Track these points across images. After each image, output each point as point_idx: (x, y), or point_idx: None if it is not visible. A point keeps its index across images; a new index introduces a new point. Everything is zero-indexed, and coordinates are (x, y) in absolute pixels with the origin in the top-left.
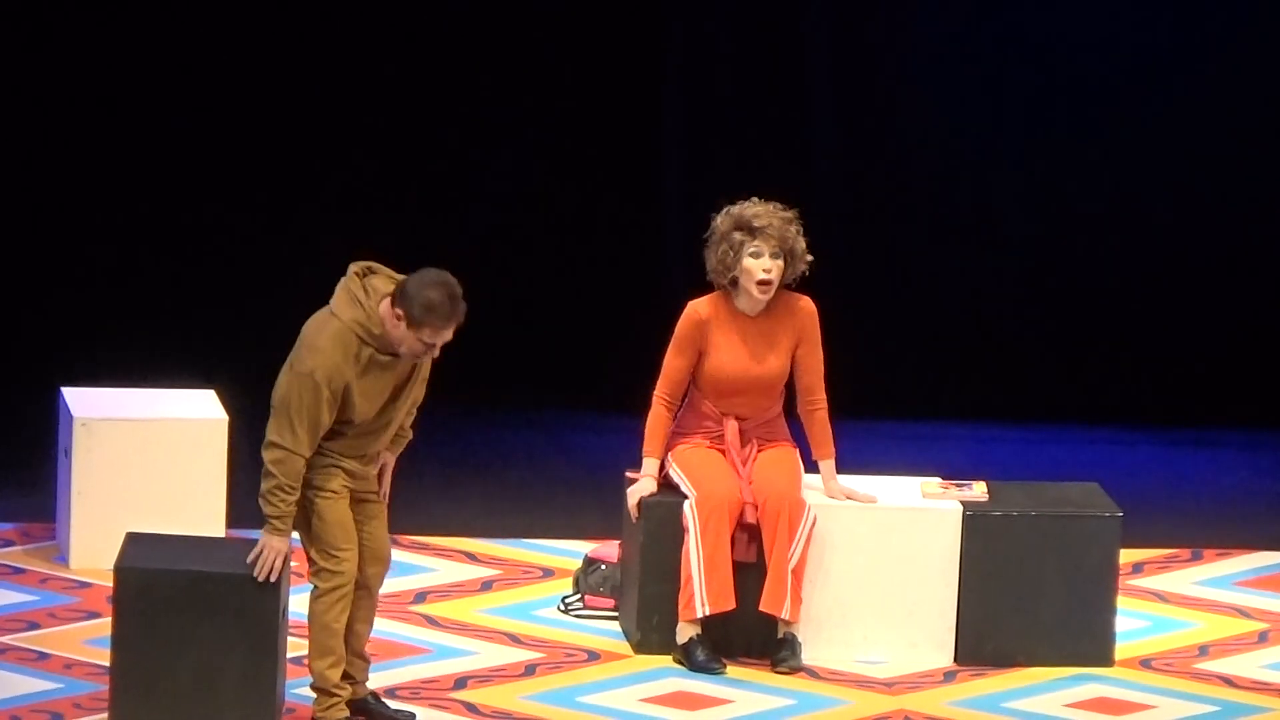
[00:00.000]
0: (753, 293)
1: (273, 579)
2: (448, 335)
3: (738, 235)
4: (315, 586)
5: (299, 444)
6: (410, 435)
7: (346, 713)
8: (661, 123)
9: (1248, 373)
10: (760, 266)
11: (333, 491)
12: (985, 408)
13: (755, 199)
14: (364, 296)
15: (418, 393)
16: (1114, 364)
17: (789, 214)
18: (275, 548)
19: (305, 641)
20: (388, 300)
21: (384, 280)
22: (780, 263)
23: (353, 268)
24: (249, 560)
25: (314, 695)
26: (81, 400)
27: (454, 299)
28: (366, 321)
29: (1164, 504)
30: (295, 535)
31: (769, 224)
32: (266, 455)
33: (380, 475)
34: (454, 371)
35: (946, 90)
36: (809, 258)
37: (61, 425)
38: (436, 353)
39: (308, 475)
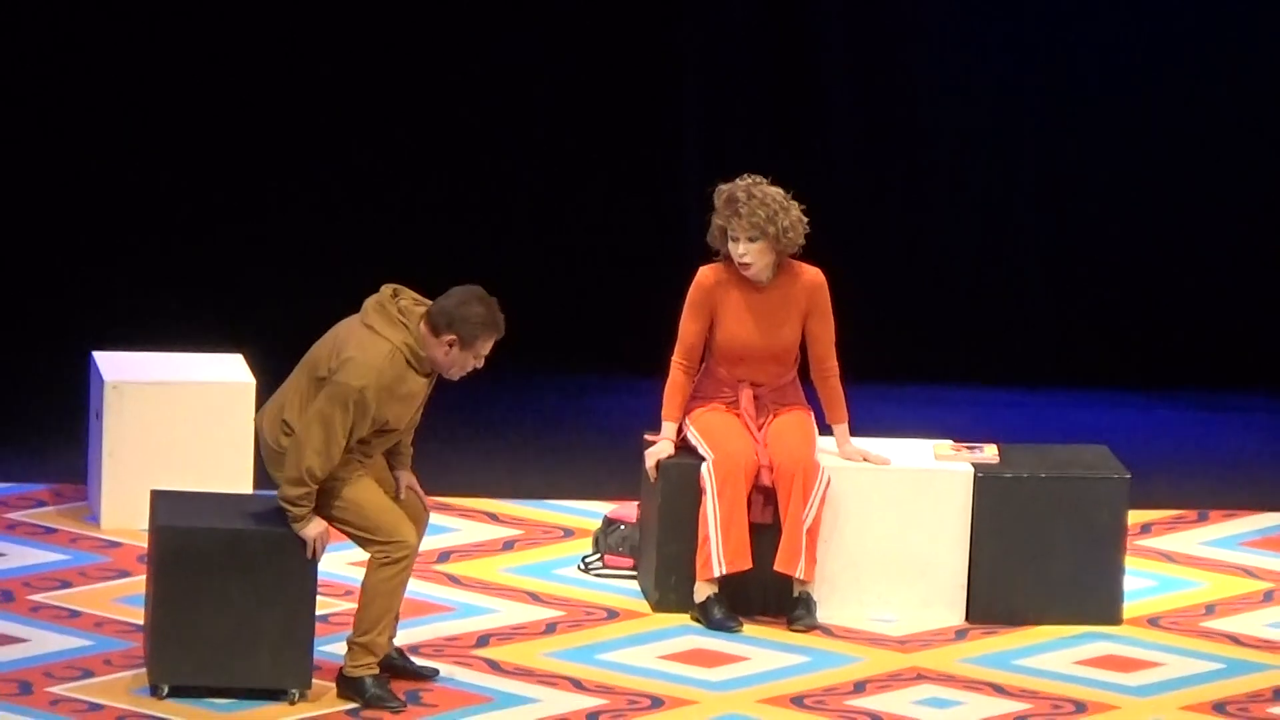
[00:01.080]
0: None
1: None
2: (490, 346)
3: (719, 220)
4: (385, 555)
5: (335, 453)
6: (411, 450)
7: (376, 670)
8: (681, 94)
9: (1254, 336)
10: (737, 251)
11: (355, 475)
12: (997, 371)
13: (744, 176)
14: (405, 320)
15: (418, 416)
16: (1122, 329)
17: (769, 193)
18: (317, 532)
19: (333, 600)
20: (424, 326)
21: (411, 303)
22: (758, 245)
23: (385, 289)
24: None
25: (349, 649)
26: (112, 363)
27: (492, 306)
28: (415, 344)
29: (1171, 466)
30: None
31: (738, 211)
32: (304, 468)
33: (411, 490)
34: None
35: (959, 57)
36: (802, 227)
37: (93, 388)
38: (481, 363)
39: None
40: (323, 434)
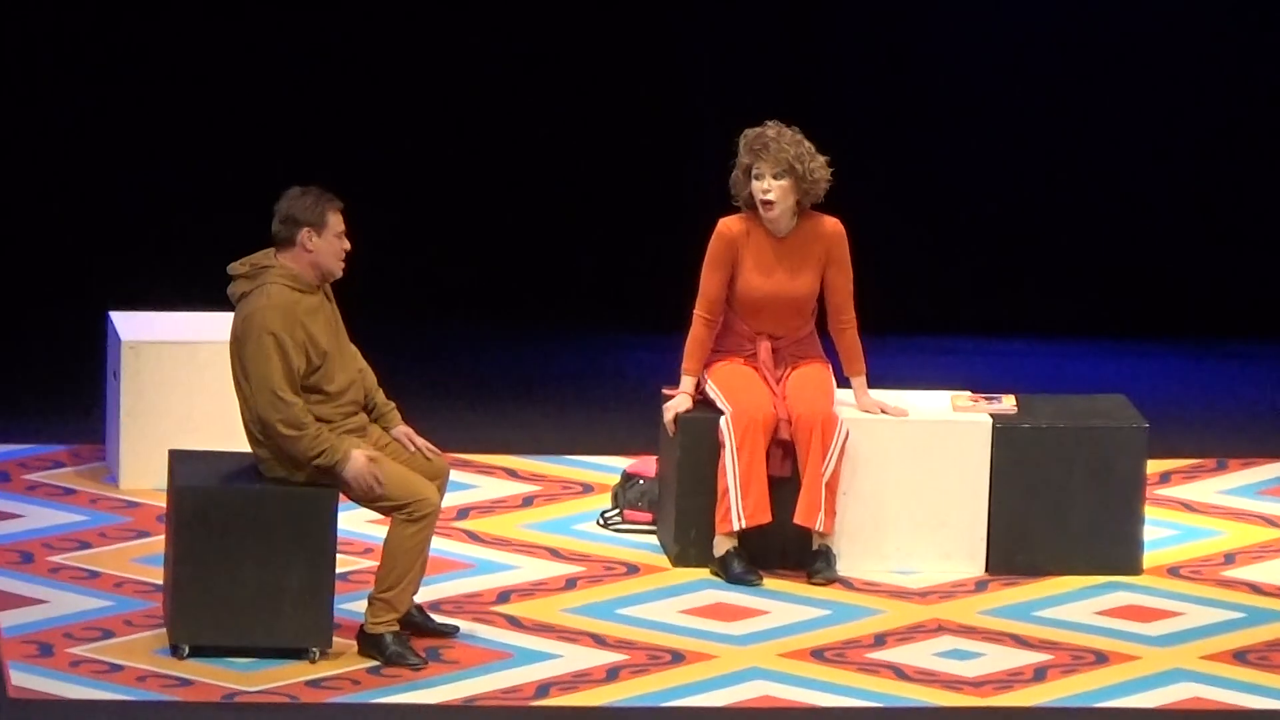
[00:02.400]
0: (761, 213)
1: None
2: (341, 220)
3: (745, 159)
4: (407, 515)
5: (294, 387)
6: (393, 404)
7: (397, 627)
8: (693, 45)
9: (1272, 284)
10: (761, 188)
11: (353, 449)
12: (1014, 322)
13: (772, 122)
14: (260, 265)
15: (353, 353)
16: (1141, 278)
17: (795, 137)
18: (360, 465)
19: (353, 558)
20: (279, 255)
21: (259, 254)
22: (784, 184)
23: (231, 265)
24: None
25: (370, 605)
26: (129, 324)
27: (314, 188)
28: (282, 271)
29: (1190, 415)
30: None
31: (767, 145)
32: (283, 424)
33: (413, 440)
34: (495, 291)
35: (973, 6)
36: (826, 175)
37: (110, 348)
38: (348, 244)
39: None
40: (271, 389)
